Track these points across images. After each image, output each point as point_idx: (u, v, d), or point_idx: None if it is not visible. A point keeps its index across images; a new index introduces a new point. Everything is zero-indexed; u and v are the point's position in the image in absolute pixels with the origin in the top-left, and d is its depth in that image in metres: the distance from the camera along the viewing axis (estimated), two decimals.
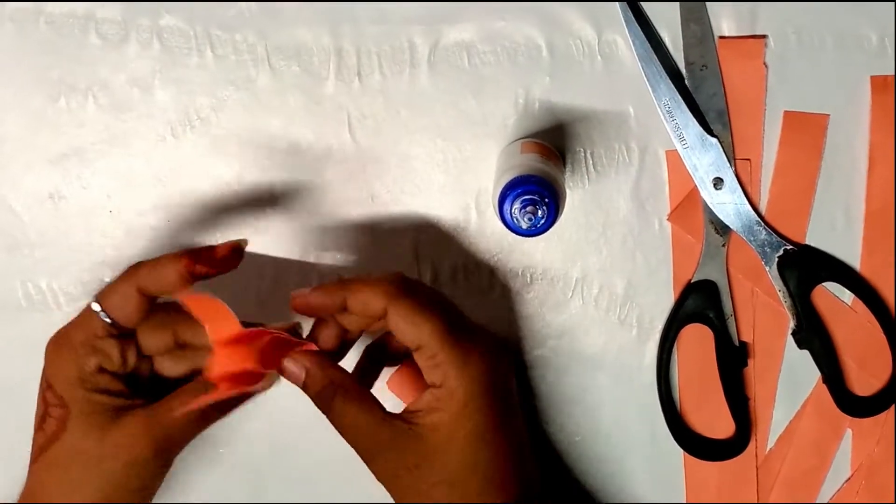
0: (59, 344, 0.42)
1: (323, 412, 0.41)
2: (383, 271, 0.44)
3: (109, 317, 0.41)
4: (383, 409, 0.41)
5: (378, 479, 0.41)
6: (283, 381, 0.43)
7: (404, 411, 0.41)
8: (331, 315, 0.43)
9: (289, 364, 0.41)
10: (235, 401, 0.43)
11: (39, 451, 0.42)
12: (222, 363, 0.39)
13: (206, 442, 0.54)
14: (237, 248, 0.42)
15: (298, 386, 0.41)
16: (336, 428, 0.41)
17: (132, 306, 0.41)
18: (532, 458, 0.43)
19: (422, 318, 0.40)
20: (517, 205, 0.42)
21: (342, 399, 0.41)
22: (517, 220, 0.42)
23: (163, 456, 0.41)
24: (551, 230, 0.43)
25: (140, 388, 0.43)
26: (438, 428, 0.40)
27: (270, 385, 0.42)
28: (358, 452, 0.41)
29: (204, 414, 0.41)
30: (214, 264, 0.41)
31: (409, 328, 0.40)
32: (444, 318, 0.40)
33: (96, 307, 0.41)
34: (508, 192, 0.42)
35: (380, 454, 0.41)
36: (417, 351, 0.40)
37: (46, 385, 0.42)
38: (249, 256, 0.51)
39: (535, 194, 0.42)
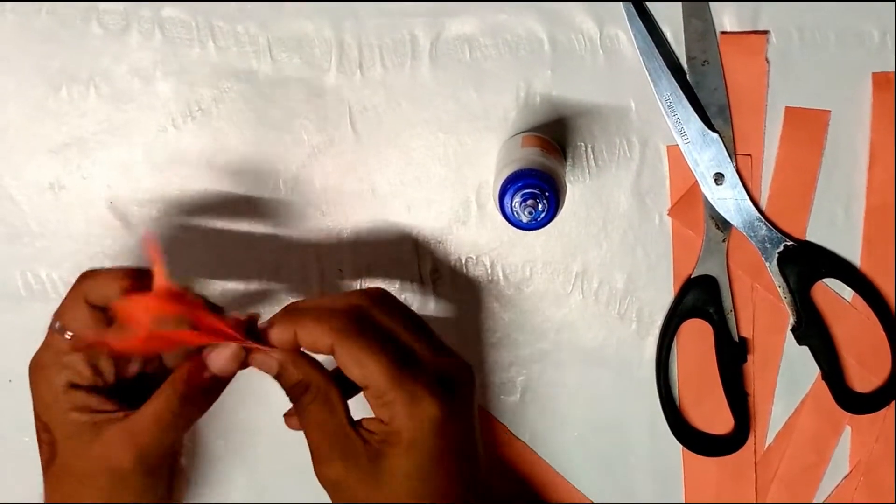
0: (33, 370, 0.42)
1: (292, 404, 0.41)
2: (346, 295, 0.42)
3: (69, 331, 0.41)
4: (348, 416, 0.40)
5: (320, 482, 0.41)
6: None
7: (363, 426, 0.40)
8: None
9: (262, 356, 0.41)
10: (210, 397, 0.42)
11: (43, 475, 0.42)
12: (138, 304, 0.38)
13: (207, 440, 0.54)
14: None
15: (272, 376, 0.41)
16: (300, 423, 0.41)
17: (86, 318, 0.41)
18: (482, 492, 0.42)
19: (368, 359, 0.39)
20: (518, 198, 0.42)
21: (310, 397, 0.40)
22: (518, 213, 0.42)
23: (146, 463, 0.40)
24: (551, 224, 0.43)
25: (137, 394, 0.42)
26: (385, 457, 0.39)
27: (229, 367, 0.40)
28: (311, 451, 0.41)
29: (181, 415, 0.40)
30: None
31: (356, 368, 0.39)
32: (392, 358, 0.39)
33: (55, 324, 0.41)
34: (509, 185, 0.42)
35: (330, 460, 0.40)
36: (365, 390, 0.40)
37: (34, 414, 0.42)
38: (250, 248, 0.51)
39: (536, 188, 0.41)
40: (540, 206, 0.42)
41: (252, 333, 0.40)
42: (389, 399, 0.39)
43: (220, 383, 0.41)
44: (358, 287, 0.52)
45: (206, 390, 0.41)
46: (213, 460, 0.54)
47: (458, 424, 0.40)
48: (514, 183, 0.42)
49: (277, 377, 0.41)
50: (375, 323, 0.40)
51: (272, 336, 0.40)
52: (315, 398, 0.40)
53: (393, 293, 0.43)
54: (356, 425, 0.40)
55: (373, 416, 0.40)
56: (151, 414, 0.40)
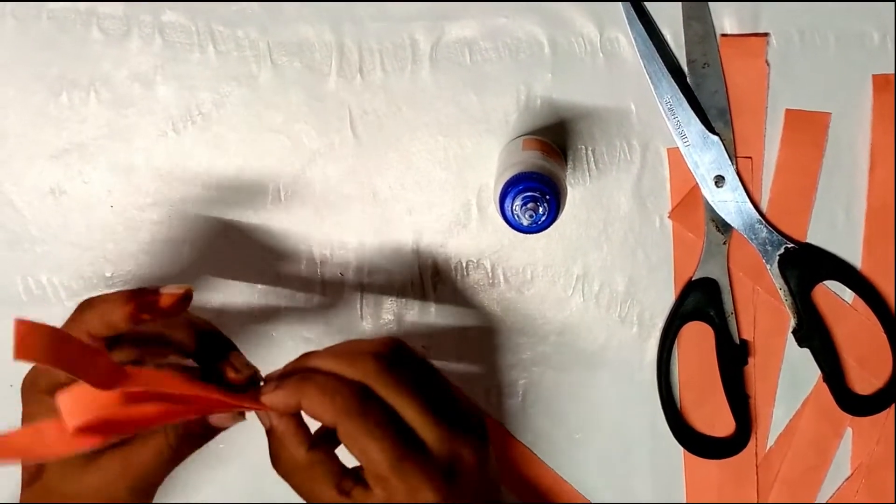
0: (29, 390, 0.41)
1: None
2: (358, 358, 0.40)
3: None
4: (338, 483, 0.39)
5: None
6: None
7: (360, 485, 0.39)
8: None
9: (261, 415, 0.40)
10: (206, 439, 0.41)
11: (24, 486, 0.42)
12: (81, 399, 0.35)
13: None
14: (185, 297, 0.40)
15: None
16: (299, 492, 0.40)
17: None
18: None
19: (370, 444, 0.37)
20: (518, 201, 0.42)
21: (310, 464, 0.39)
22: (518, 216, 0.42)
23: (140, 494, 0.40)
24: (552, 227, 0.43)
25: None
26: None
27: (226, 423, 0.41)
28: None
29: (177, 452, 0.40)
30: (159, 311, 0.39)
31: (356, 449, 0.38)
32: (394, 444, 0.38)
33: None
34: (509, 188, 0.42)
35: None
36: (364, 470, 0.39)
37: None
38: (251, 253, 0.51)
39: (536, 191, 0.41)
40: (541, 209, 0.42)
41: (253, 383, 0.40)
42: (388, 485, 0.38)
43: (216, 431, 0.41)
44: (360, 293, 0.52)
45: (202, 435, 0.41)
46: (213, 463, 0.54)
47: None
48: (514, 186, 0.42)
49: (267, 432, 0.40)
50: (382, 401, 0.39)
51: (277, 399, 0.39)
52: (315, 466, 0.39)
53: (407, 344, 0.41)
54: (350, 488, 0.39)
55: None
56: (150, 449, 0.40)
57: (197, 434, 0.41)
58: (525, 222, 0.42)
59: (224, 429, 0.41)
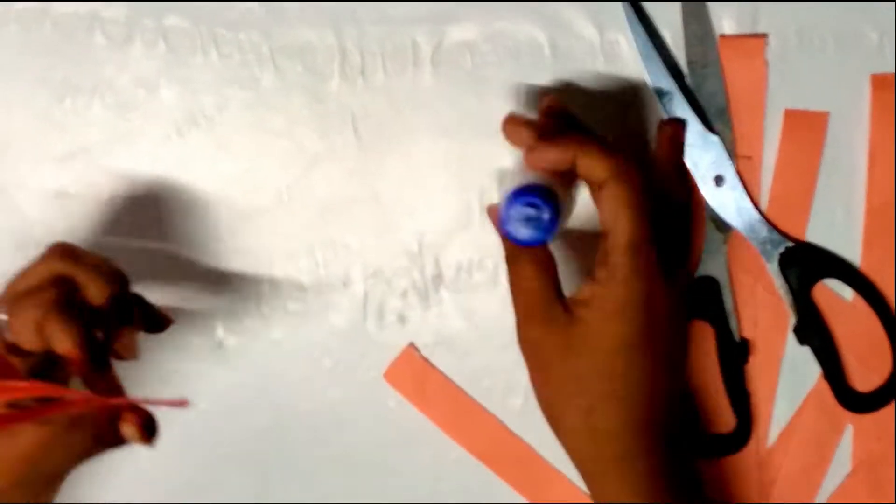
0: None
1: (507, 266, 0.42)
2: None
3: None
4: (557, 285, 0.41)
5: (519, 343, 0.42)
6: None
7: (567, 298, 0.41)
8: None
9: None
10: (118, 442, 0.40)
11: None
12: None
13: (211, 439, 0.54)
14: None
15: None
16: (510, 283, 0.42)
17: None
18: (682, 380, 0.43)
19: (625, 216, 0.39)
20: (516, 210, 0.40)
21: (526, 259, 0.41)
22: (516, 228, 0.40)
23: (26, 485, 0.39)
24: (553, 232, 0.42)
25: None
26: (588, 324, 0.40)
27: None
28: (516, 313, 0.42)
29: (75, 452, 0.39)
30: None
31: (610, 216, 0.39)
32: (644, 227, 0.39)
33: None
34: (510, 199, 0.40)
35: (533, 321, 0.41)
36: (605, 238, 0.40)
37: None
38: (253, 255, 0.52)
39: (534, 205, 0.40)
40: (543, 216, 0.40)
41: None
42: (615, 262, 0.39)
43: (124, 442, 0.40)
44: (363, 295, 0.52)
45: (112, 443, 0.40)
46: (217, 462, 0.54)
47: (669, 308, 0.40)
48: (514, 198, 0.40)
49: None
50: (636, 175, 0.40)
51: (550, 156, 0.40)
52: (530, 259, 0.41)
53: None
54: (562, 297, 0.41)
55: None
56: (36, 437, 0.38)
57: (108, 441, 0.40)
58: (522, 235, 0.41)
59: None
